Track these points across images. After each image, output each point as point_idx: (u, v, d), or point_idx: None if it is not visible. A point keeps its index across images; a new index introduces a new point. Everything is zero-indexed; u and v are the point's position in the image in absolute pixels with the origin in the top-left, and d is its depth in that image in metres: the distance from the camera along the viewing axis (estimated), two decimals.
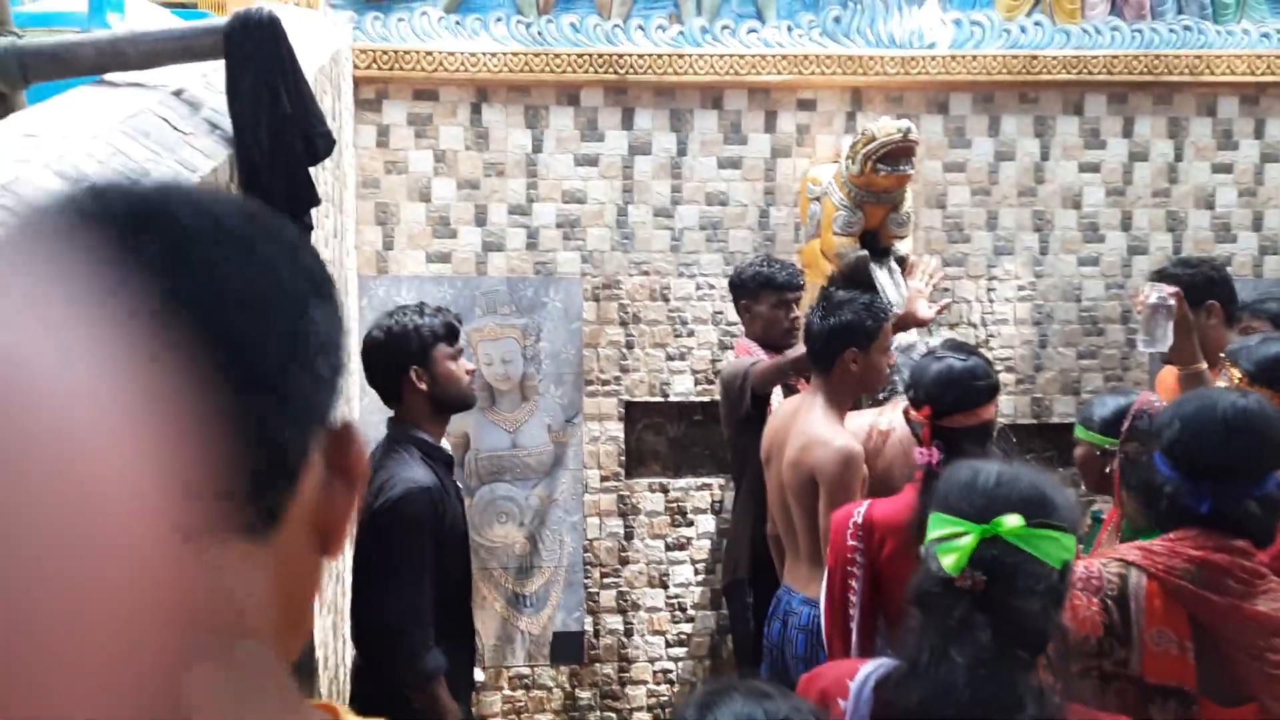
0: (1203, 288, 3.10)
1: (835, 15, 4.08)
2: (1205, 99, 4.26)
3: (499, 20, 3.99)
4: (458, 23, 3.98)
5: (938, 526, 1.39)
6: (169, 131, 1.77)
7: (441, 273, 4.01)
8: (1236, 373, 2.32)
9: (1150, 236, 4.27)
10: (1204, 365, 2.75)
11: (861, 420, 2.88)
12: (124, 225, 0.45)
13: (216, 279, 0.47)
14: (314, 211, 2.27)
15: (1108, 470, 2.38)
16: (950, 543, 1.34)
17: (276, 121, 1.94)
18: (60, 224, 0.44)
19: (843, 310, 2.77)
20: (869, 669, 1.40)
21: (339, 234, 3.48)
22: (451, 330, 2.52)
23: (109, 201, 0.47)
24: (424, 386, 2.46)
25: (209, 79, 2.15)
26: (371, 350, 2.52)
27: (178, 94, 1.99)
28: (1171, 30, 4.19)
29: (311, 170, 2.18)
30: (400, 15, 3.97)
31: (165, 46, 1.95)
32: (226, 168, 1.85)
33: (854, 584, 2.34)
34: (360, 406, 3.63)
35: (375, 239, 4.00)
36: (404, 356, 2.46)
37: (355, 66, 3.92)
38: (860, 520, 2.33)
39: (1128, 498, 2.35)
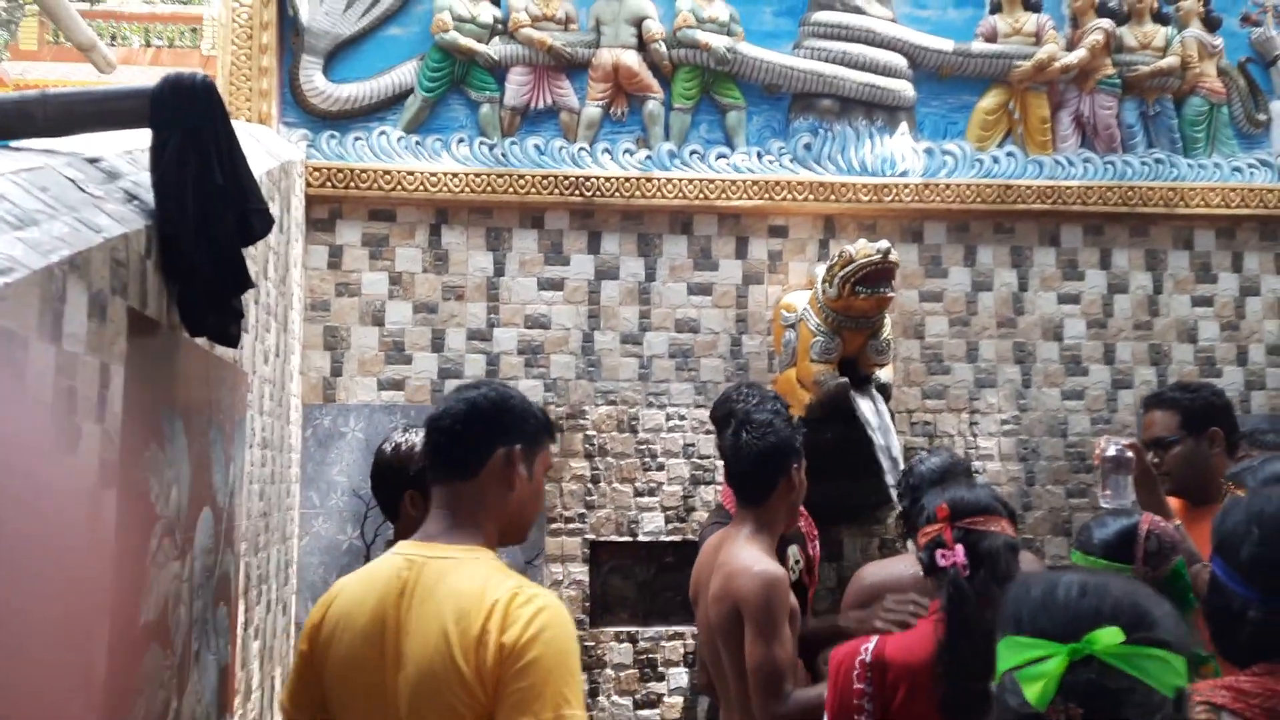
0: (1204, 414, 2.94)
1: (805, 143, 4.00)
2: (1181, 231, 4.19)
3: (461, 141, 3.85)
4: (418, 143, 3.83)
5: (1012, 652, 1.11)
6: (74, 191, 1.52)
7: (394, 401, 3.73)
8: (1242, 494, 2.13)
9: (1134, 370, 4.12)
10: (1176, 522, 2.54)
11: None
12: None
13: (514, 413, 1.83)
14: (249, 304, 2.02)
15: None
16: (1032, 668, 1.06)
17: (206, 193, 1.71)
18: None
19: (771, 429, 2.54)
20: None
21: (281, 354, 3.21)
22: None
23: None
24: (414, 512, 2.30)
25: (134, 155, 1.93)
26: (379, 466, 2.47)
27: (93, 161, 1.75)
28: (1144, 162, 4.15)
29: (246, 251, 1.94)
30: (358, 134, 3.81)
31: (80, 109, 1.72)
32: (142, 239, 1.59)
33: None
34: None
35: (323, 364, 3.73)
36: (405, 479, 2.36)
37: (308, 184, 3.73)
38: (869, 659, 2.02)
39: None
